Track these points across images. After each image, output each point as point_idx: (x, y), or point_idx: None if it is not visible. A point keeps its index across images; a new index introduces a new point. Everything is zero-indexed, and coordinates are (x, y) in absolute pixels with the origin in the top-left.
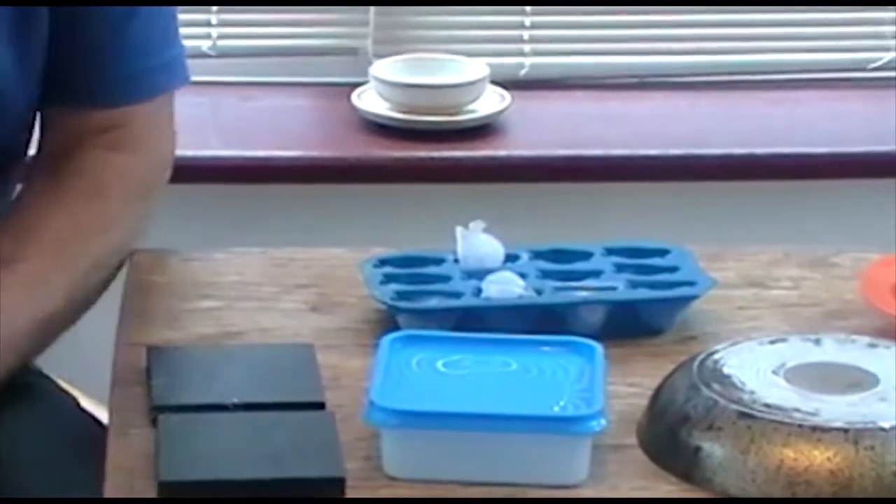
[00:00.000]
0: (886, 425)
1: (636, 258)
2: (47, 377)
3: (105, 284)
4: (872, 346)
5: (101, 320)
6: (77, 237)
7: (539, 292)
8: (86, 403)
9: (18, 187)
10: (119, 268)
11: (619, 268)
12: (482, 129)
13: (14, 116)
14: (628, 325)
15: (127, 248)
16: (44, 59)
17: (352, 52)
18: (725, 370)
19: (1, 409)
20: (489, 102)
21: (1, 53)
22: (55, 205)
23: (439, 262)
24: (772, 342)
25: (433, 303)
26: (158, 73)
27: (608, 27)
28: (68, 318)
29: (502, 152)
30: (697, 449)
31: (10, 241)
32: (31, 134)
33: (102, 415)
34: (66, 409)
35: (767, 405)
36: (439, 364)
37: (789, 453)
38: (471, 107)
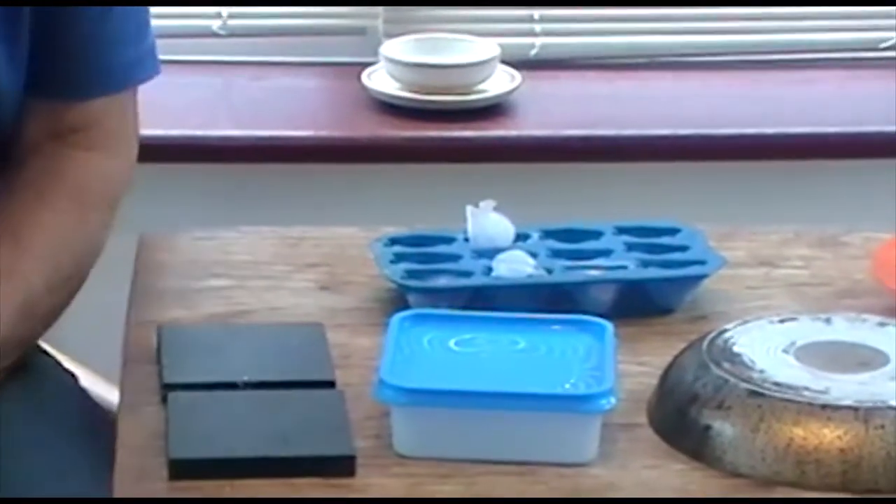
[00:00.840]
0: None
1: (647, 237)
2: (49, 355)
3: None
4: (883, 325)
5: (112, 299)
6: (68, 259)
7: (549, 271)
8: (92, 382)
9: None
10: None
11: (630, 247)
12: (492, 109)
13: (7, 111)
14: (638, 304)
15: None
16: (27, 49)
17: (362, 31)
18: (735, 349)
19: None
20: (499, 82)
21: None
22: (42, 214)
23: (450, 241)
24: (782, 321)
25: (443, 282)
26: (133, 65)
27: (619, 7)
28: (42, 332)
29: (512, 132)
30: (707, 427)
31: (7, 254)
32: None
33: (107, 393)
34: (65, 387)
35: (777, 384)
36: (451, 343)
37: (799, 432)
38: (481, 87)
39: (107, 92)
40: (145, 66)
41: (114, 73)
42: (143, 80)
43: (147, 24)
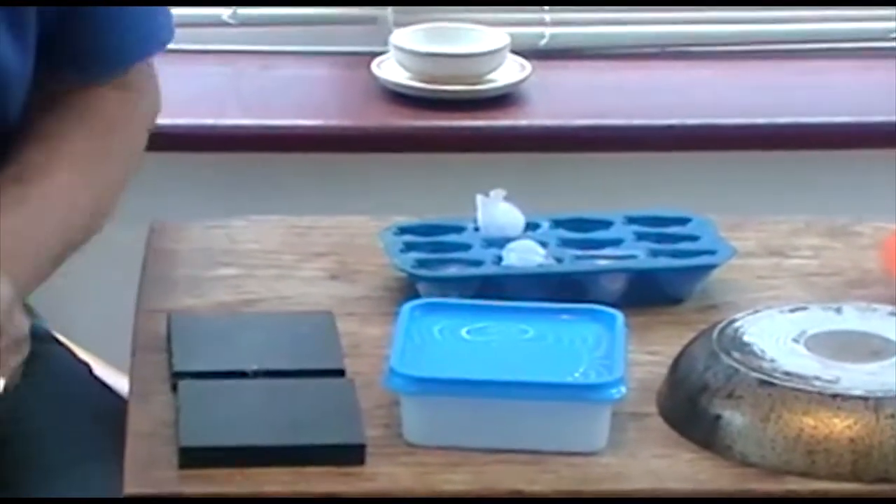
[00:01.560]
0: None
1: (657, 227)
2: (62, 344)
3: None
4: (893, 314)
5: (121, 288)
6: (104, 159)
7: (559, 261)
8: (103, 370)
9: None
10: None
11: (640, 236)
12: (502, 99)
13: (14, 94)
14: (648, 294)
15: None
16: (35, 34)
17: (372, 20)
18: (746, 338)
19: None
20: (509, 72)
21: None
22: (78, 129)
23: (460, 230)
24: (792, 311)
25: (453, 271)
26: (147, 37)
27: None
28: (89, 234)
29: (522, 122)
30: (717, 417)
31: (40, 154)
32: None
33: (117, 382)
34: (80, 376)
35: (788, 373)
36: (463, 332)
37: (809, 421)
38: (491, 76)
39: (121, 67)
40: (159, 37)
41: (129, 50)
42: (156, 51)
43: None
